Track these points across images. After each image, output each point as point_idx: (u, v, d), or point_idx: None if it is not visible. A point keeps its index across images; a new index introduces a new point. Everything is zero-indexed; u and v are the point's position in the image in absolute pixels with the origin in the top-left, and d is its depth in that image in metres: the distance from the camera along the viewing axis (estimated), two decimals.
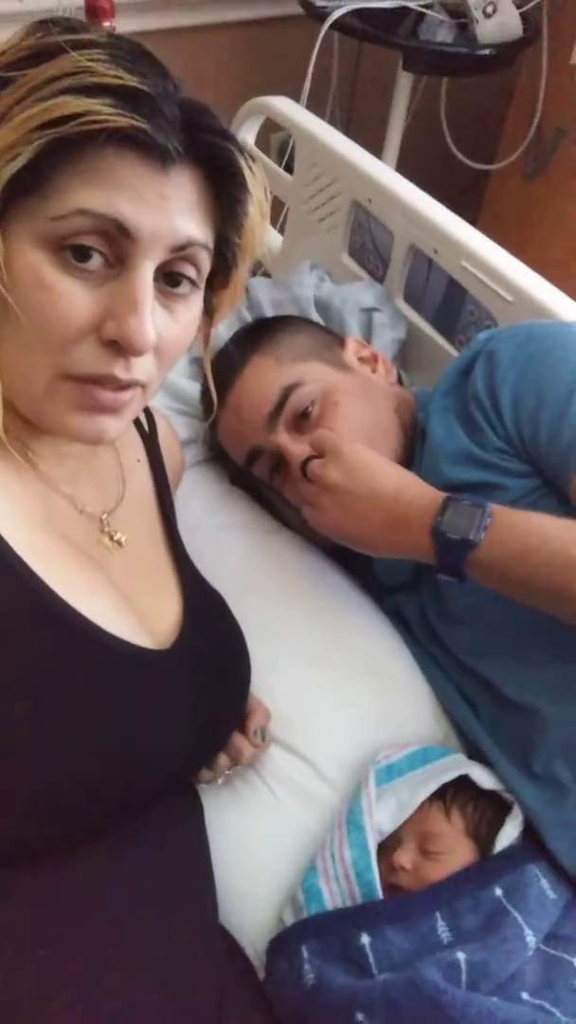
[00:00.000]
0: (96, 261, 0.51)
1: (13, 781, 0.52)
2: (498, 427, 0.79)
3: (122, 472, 0.72)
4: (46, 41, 0.50)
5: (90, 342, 0.52)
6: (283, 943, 0.68)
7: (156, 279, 0.53)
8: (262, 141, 1.40)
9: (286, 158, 1.68)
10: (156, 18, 1.63)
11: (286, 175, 1.34)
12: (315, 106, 1.50)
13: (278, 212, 1.40)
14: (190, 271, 0.56)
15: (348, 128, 1.95)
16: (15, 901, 0.55)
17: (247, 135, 1.36)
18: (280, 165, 1.46)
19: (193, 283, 0.57)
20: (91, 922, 0.56)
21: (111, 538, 0.67)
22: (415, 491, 0.73)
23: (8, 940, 0.53)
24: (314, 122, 1.25)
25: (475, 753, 0.80)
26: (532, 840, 0.72)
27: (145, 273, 0.52)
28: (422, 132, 1.83)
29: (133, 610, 0.63)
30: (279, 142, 1.84)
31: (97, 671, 0.57)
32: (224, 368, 0.89)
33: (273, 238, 1.40)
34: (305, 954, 0.66)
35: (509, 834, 0.72)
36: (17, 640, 0.53)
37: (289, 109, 1.29)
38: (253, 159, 0.56)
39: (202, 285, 0.58)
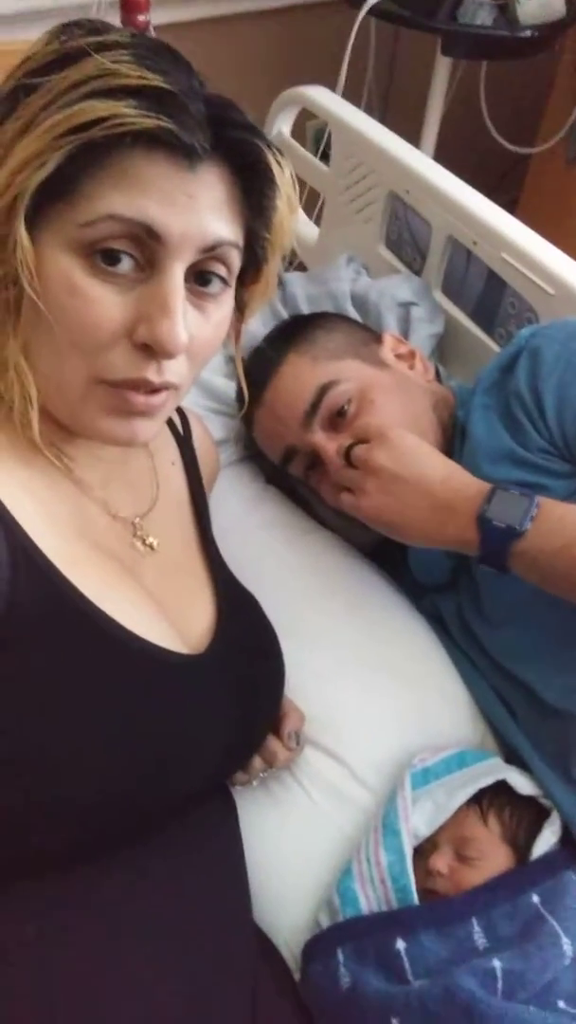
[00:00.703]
0: (126, 264, 0.51)
1: (43, 788, 0.52)
2: (541, 426, 0.78)
3: (156, 475, 0.72)
4: (70, 45, 0.49)
5: (123, 346, 0.52)
6: (319, 946, 0.68)
7: (186, 279, 0.53)
8: (297, 128, 1.38)
9: (322, 146, 1.67)
10: (190, 9, 1.62)
11: (322, 166, 1.33)
12: (351, 93, 1.48)
13: (314, 203, 1.39)
14: (220, 270, 0.55)
15: (385, 115, 1.92)
16: (41, 908, 0.55)
17: (283, 126, 1.35)
18: (316, 153, 1.44)
19: (224, 281, 0.56)
20: (122, 927, 0.57)
21: (143, 542, 0.67)
22: (461, 479, 0.73)
23: (39, 947, 0.54)
24: (351, 112, 1.23)
25: (512, 757, 0.79)
26: (571, 847, 0.71)
27: (175, 275, 0.51)
28: (461, 116, 1.80)
29: (166, 615, 0.63)
30: (314, 129, 1.82)
31: (131, 678, 0.57)
32: (260, 366, 0.88)
33: (309, 229, 1.39)
34: (341, 957, 0.66)
35: (547, 840, 0.71)
36: (51, 646, 0.53)
37: (325, 99, 1.27)
38: (281, 153, 0.55)
39: (233, 283, 0.58)
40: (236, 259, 0.56)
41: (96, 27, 0.51)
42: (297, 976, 0.70)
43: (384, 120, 1.21)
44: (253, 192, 0.56)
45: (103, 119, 0.47)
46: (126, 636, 0.56)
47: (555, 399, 0.77)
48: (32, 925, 0.54)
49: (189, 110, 0.49)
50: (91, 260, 0.50)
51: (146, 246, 0.51)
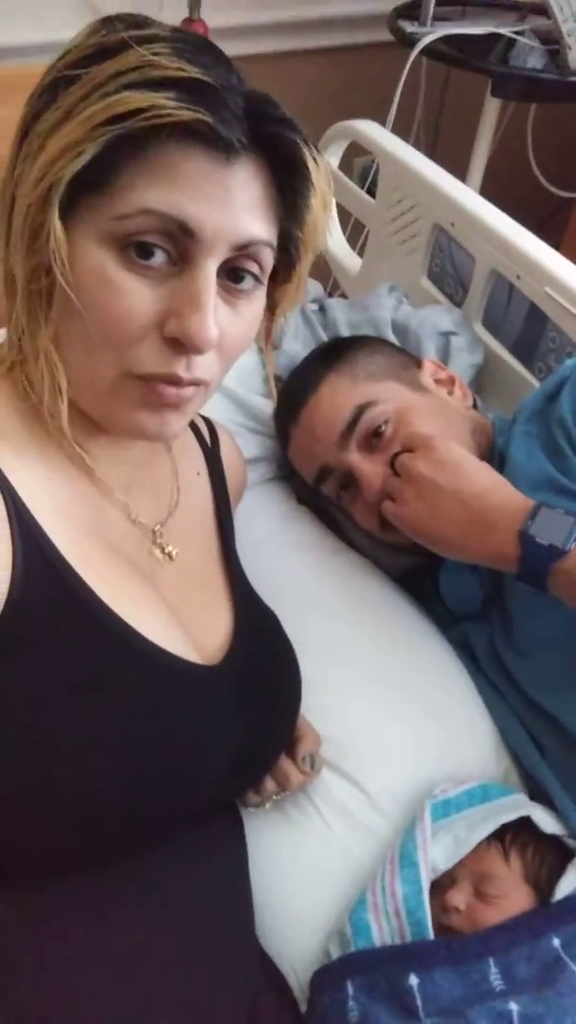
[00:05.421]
0: (159, 258, 0.51)
1: (44, 789, 0.51)
2: None
3: (177, 481, 0.72)
4: (110, 38, 0.49)
5: (153, 340, 0.52)
6: (328, 977, 0.66)
7: (219, 276, 0.53)
8: (345, 165, 1.41)
9: (368, 183, 1.69)
10: (248, 44, 1.66)
11: (368, 198, 1.34)
12: (401, 131, 1.50)
13: (358, 234, 1.40)
14: (253, 267, 0.55)
15: (433, 153, 1.95)
16: (39, 919, 0.54)
17: (332, 159, 1.38)
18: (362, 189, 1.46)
19: (256, 279, 0.56)
20: (119, 940, 0.55)
21: (163, 551, 0.66)
22: (505, 493, 0.72)
23: (35, 960, 0.53)
24: (398, 145, 1.26)
25: (536, 793, 0.77)
26: None
27: (208, 271, 0.51)
28: (507, 158, 1.82)
29: (180, 624, 0.63)
30: (361, 167, 1.85)
31: (138, 680, 0.56)
32: (299, 385, 0.89)
33: (352, 260, 1.40)
34: (350, 990, 0.64)
35: (570, 882, 0.68)
36: (61, 646, 0.53)
37: (374, 132, 1.30)
38: (318, 149, 0.54)
39: (265, 281, 0.57)
40: (269, 258, 0.56)
41: (137, 21, 0.51)
42: (304, 1006, 0.67)
43: (432, 158, 1.22)
44: (288, 190, 0.55)
45: (141, 110, 0.47)
46: (136, 639, 0.56)
47: None
48: (30, 937, 0.53)
49: (227, 104, 0.48)
50: (124, 253, 0.50)
51: (179, 241, 0.50)
